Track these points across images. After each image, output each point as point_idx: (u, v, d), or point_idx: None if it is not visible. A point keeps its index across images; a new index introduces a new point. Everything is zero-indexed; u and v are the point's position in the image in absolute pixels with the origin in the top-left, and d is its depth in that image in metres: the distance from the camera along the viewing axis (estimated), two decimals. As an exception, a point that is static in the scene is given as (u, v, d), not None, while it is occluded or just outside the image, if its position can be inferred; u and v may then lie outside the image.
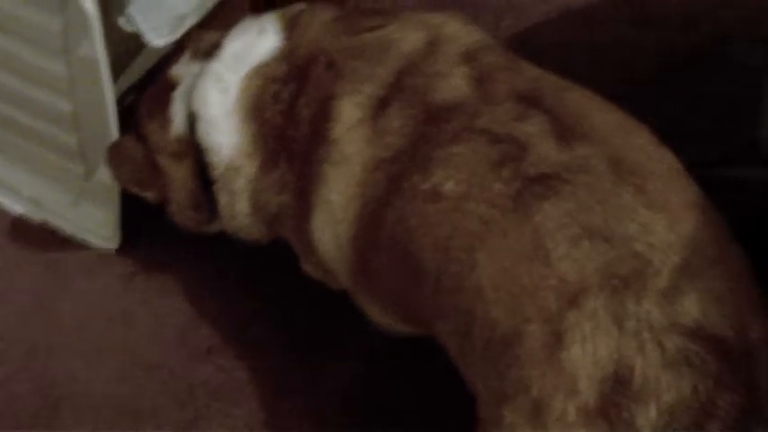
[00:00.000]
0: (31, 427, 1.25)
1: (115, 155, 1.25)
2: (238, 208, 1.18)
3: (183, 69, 1.21)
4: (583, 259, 0.88)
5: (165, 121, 1.20)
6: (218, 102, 1.14)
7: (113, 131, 1.27)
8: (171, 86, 1.21)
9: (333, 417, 1.23)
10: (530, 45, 1.52)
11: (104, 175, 1.31)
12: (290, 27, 1.14)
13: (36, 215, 1.43)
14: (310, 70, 1.09)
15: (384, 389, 1.25)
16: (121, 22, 1.20)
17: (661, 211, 0.90)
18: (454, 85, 1.03)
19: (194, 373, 1.28)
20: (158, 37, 1.20)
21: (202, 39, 1.22)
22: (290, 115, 1.10)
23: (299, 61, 1.11)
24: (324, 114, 1.06)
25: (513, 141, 0.96)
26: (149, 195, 1.26)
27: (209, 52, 1.18)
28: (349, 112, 1.05)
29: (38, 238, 1.42)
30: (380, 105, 1.04)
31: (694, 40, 1.50)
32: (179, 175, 1.21)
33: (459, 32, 1.09)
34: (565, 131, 0.96)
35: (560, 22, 1.55)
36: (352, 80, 1.06)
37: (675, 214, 0.91)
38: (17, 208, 1.44)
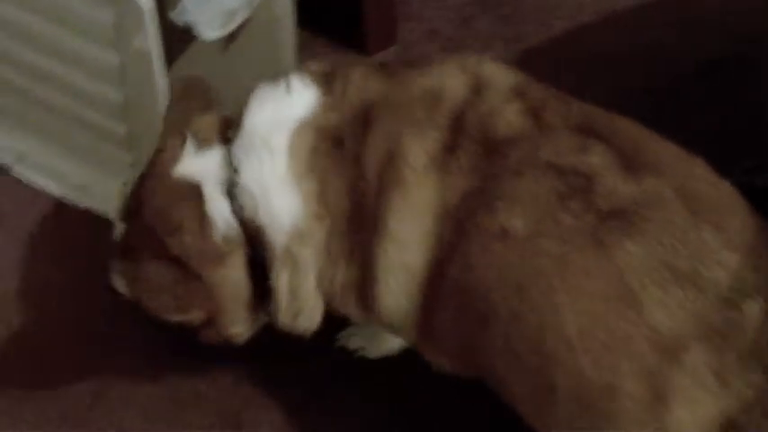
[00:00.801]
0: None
1: (144, 290, 1.08)
2: (304, 286, 1.04)
3: (196, 165, 1.06)
4: (675, 307, 0.84)
5: (202, 226, 1.04)
6: (269, 168, 1.02)
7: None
8: (188, 189, 1.05)
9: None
10: (582, 44, 1.54)
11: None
12: (326, 81, 1.05)
13: (82, 202, 1.45)
14: (370, 117, 1.01)
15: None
16: (173, 15, 1.22)
17: (742, 253, 0.87)
18: (510, 120, 0.98)
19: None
20: (210, 30, 1.23)
21: (199, 124, 1.09)
22: (355, 164, 1.01)
23: (354, 110, 1.02)
24: (392, 159, 0.98)
25: (578, 173, 0.92)
26: (194, 317, 1.08)
27: (225, 136, 1.06)
28: (418, 156, 0.98)
29: (81, 224, 1.45)
30: (445, 149, 0.98)
31: (733, 44, 1.53)
32: (228, 278, 1.06)
33: (497, 73, 1.05)
34: (628, 162, 0.92)
35: (610, 23, 1.57)
36: (415, 125, 1.00)
37: (756, 254, 0.88)
38: (63, 194, 1.47)
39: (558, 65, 1.53)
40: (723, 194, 0.93)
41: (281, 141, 1.01)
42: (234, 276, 1.05)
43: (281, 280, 1.04)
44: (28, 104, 1.44)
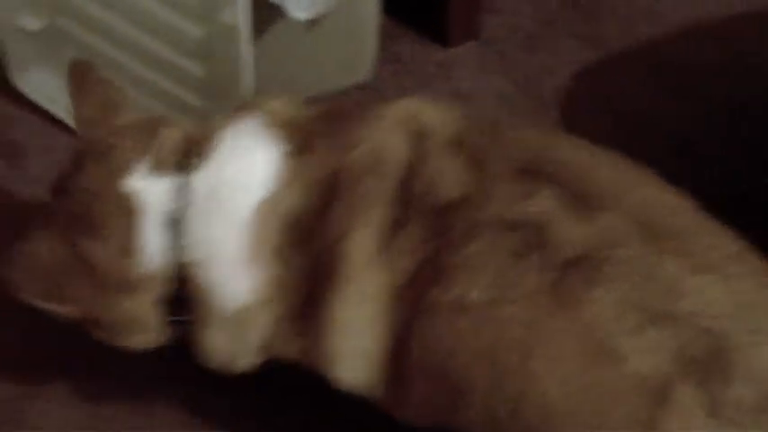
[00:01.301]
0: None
1: (29, 266, 1.00)
2: (243, 349, 1.00)
3: (146, 185, 0.98)
4: (654, 348, 0.82)
5: (125, 252, 0.97)
6: (225, 237, 0.96)
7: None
8: (128, 208, 0.97)
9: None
10: (663, 54, 1.52)
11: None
12: (289, 136, 0.98)
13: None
14: (323, 193, 0.95)
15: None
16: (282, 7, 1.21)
17: (710, 273, 0.85)
18: (455, 179, 0.93)
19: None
20: (299, 10, 1.23)
21: (163, 142, 1.00)
22: (309, 248, 0.95)
23: (311, 183, 0.96)
24: (340, 246, 0.94)
25: (529, 225, 0.88)
26: (67, 312, 1.01)
27: (185, 162, 0.99)
28: (364, 243, 0.93)
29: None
30: (394, 227, 0.93)
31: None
32: (128, 311, 1.00)
33: (435, 120, 0.99)
34: (578, 199, 0.89)
35: (696, 32, 1.55)
36: (363, 207, 0.94)
37: (724, 271, 0.86)
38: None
39: (639, 71, 1.51)
40: (682, 215, 0.91)
41: (243, 215, 0.95)
42: (135, 312, 0.99)
43: (216, 340, 1.00)
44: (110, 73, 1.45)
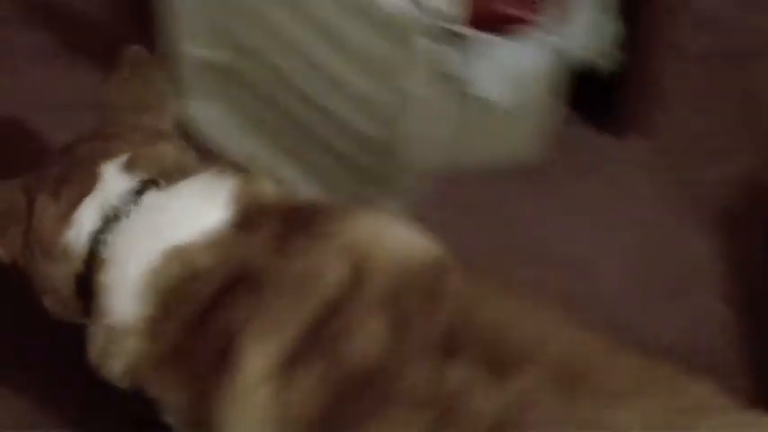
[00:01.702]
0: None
1: None
2: (105, 361, 1.01)
3: (110, 177, 1.01)
4: None
5: (63, 217, 1.00)
6: (134, 258, 0.97)
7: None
8: (91, 183, 1.01)
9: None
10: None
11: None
12: (244, 213, 0.97)
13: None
14: (236, 285, 0.93)
15: None
16: (469, 86, 1.23)
17: (636, 413, 0.83)
18: (371, 335, 0.89)
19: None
20: (503, 99, 1.25)
21: (153, 151, 1.04)
22: (200, 327, 0.94)
23: (228, 267, 0.94)
24: (229, 355, 0.91)
25: (442, 401, 0.85)
26: None
27: (154, 177, 1.01)
28: (256, 362, 0.90)
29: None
30: (293, 358, 0.90)
31: None
32: (46, 275, 1.04)
33: (385, 261, 0.94)
34: (493, 363, 0.86)
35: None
36: (269, 320, 0.91)
37: (651, 415, 0.83)
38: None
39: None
40: (605, 361, 0.89)
41: (157, 246, 0.96)
42: (51, 275, 1.03)
43: (94, 338, 1.01)
44: (282, 121, 1.48)
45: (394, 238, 0.98)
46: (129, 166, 1.02)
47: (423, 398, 0.86)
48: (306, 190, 1.46)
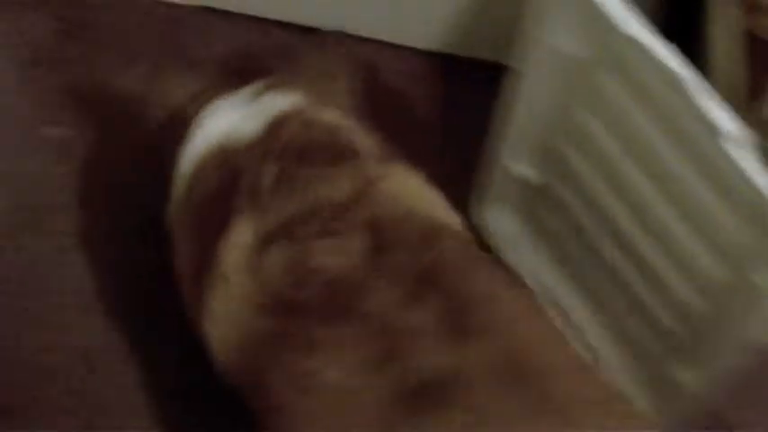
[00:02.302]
0: None
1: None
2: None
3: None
4: None
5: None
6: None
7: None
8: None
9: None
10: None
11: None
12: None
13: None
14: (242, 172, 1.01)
15: None
16: None
17: (560, 414, 0.83)
18: (348, 248, 0.93)
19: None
20: None
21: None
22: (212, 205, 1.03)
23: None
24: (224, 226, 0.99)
25: (400, 334, 0.87)
26: None
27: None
28: (240, 233, 0.97)
29: None
30: (268, 241, 0.95)
31: None
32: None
33: (387, 195, 0.98)
34: (459, 323, 0.87)
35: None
36: (259, 209, 0.98)
37: (579, 415, 0.83)
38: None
39: None
40: (562, 355, 0.89)
41: (194, 150, 1.09)
42: None
43: None
44: (586, 258, 1.32)
45: (418, 193, 1.02)
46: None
47: (378, 325, 0.88)
48: (594, 334, 1.33)
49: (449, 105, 1.57)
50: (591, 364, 0.92)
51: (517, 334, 0.88)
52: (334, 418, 0.87)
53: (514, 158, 1.32)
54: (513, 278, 1.01)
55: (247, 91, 1.11)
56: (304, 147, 1.02)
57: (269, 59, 1.53)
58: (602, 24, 1.05)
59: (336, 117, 1.08)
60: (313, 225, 0.95)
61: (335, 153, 1.02)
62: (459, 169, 1.47)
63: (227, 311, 0.97)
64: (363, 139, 1.07)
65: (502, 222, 1.42)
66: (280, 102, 1.07)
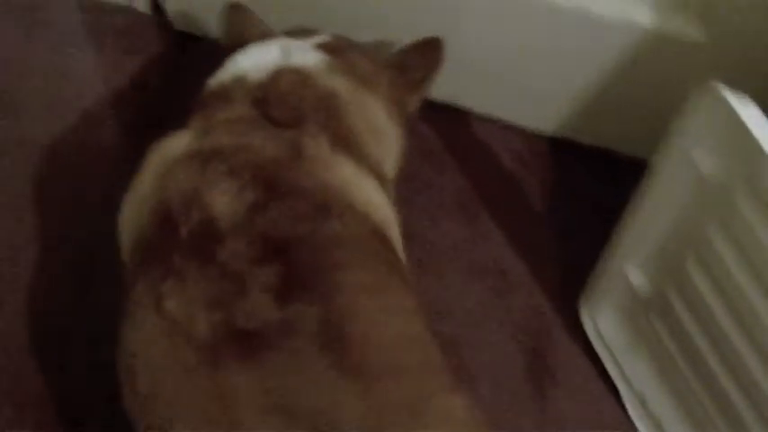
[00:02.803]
0: None
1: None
2: None
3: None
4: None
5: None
6: None
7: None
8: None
9: None
10: None
11: None
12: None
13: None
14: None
15: None
16: None
17: (358, 380, 0.88)
18: (239, 197, 0.97)
19: None
20: None
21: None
22: None
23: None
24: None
25: (235, 282, 0.91)
26: None
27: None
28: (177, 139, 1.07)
29: None
30: (190, 153, 1.03)
31: None
32: None
33: (308, 167, 1.02)
34: (290, 284, 0.91)
35: None
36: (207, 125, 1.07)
37: (373, 380, 0.88)
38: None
39: None
40: (377, 326, 0.92)
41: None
42: None
43: None
44: (694, 378, 1.27)
45: (348, 177, 1.04)
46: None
47: (225, 270, 0.92)
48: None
49: (563, 192, 1.54)
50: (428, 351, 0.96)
51: (341, 303, 0.92)
52: (162, 344, 0.91)
53: (630, 262, 1.28)
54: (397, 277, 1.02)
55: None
56: (277, 100, 1.08)
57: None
58: (749, 147, 1.01)
59: (341, 89, 1.13)
60: (225, 165, 0.99)
61: (296, 116, 1.07)
62: (568, 261, 1.45)
63: (131, 212, 1.04)
64: (340, 119, 1.11)
65: (607, 322, 1.38)
66: (298, 57, 1.15)
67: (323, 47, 1.19)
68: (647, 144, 1.21)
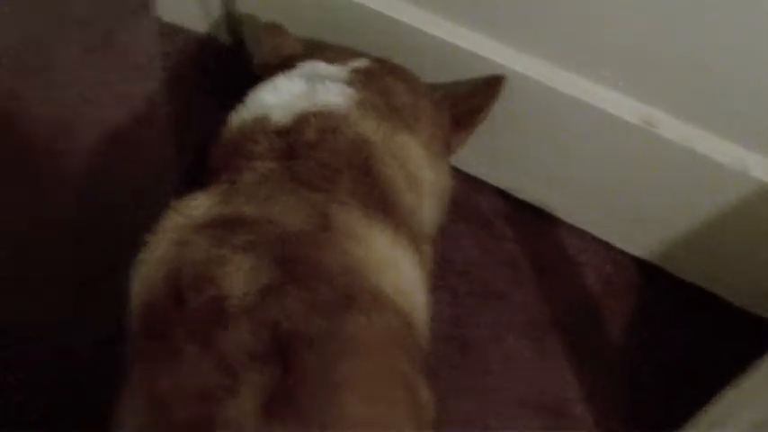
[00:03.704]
0: None
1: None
2: None
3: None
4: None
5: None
6: None
7: None
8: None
9: None
10: None
11: None
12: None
13: None
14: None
15: None
16: None
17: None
18: (252, 276, 0.86)
19: None
20: None
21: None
22: None
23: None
24: None
25: (229, 376, 0.80)
26: None
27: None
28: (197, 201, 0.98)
29: None
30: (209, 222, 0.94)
31: None
32: None
33: (333, 242, 0.90)
34: (283, 399, 0.79)
35: None
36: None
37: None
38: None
39: None
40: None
41: None
42: None
43: None
44: None
45: (377, 256, 0.93)
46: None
47: (224, 360, 0.82)
48: None
49: (648, 329, 1.37)
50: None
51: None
52: (147, 423, 0.83)
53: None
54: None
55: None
56: (304, 155, 0.98)
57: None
58: None
59: (376, 135, 1.02)
60: (243, 237, 0.90)
61: (325, 175, 0.97)
62: (637, 416, 1.28)
63: (144, 273, 0.94)
64: (363, 182, 0.99)
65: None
66: (327, 94, 1.04)
67: (358, 73, 1.07)
68: (760, 301, 1.04)
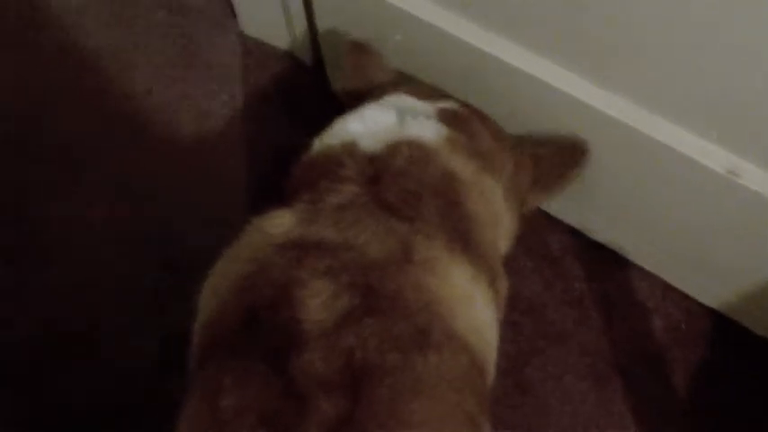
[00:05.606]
0: None
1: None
2: None
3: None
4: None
5: None
6: None
7: None
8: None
9: None
10: None
11: None
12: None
13: None
14: None
15: None
16: None
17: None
18: (330, 304, 0.84)
19: None
20: None
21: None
22: None
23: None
24: None
25: (297, 403, 0.78)
26: None
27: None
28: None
29: None
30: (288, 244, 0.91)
31: None
32: None
33: (413, 277, 0.88)
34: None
35: None
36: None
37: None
38: None
39: None
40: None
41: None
42: None
43: None
44: None
45: (454, 292, 0.91)
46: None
47: (294, 388, 0.80)
48: None
49: (716, 383, 1.33)
50: None
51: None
52: None
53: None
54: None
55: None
56: (392, 181, 0.96)
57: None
58: None
59: (463, 171, 1.00)
60: (324, 262, 0.88)
61: (412, 203, 0.95)
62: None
63: (218, 282, 0.94)
64: (449, 210, 0.97)
65: None
66: (418, 127, 1.02)
67: (445, 114, 1.05)
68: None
